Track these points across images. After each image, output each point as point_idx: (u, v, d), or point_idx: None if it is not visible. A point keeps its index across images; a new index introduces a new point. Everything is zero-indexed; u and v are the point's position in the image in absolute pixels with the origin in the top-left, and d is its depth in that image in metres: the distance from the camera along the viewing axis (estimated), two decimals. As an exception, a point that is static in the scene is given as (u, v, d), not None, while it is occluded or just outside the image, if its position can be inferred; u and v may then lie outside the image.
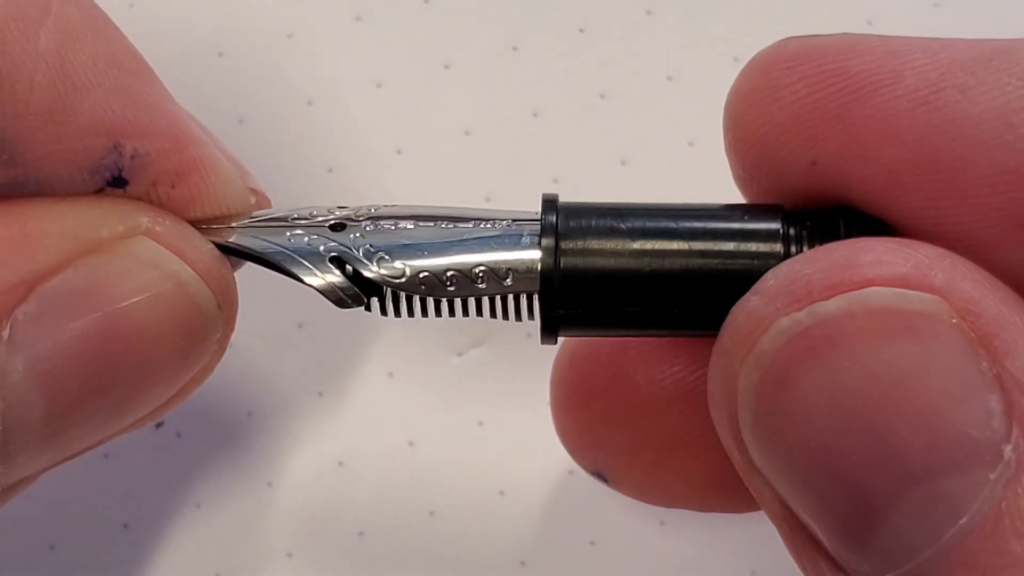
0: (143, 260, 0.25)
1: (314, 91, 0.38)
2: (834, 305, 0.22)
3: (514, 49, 0.38)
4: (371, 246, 0.25)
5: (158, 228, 0.25)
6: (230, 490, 0.36)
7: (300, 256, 0.26)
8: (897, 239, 0.23)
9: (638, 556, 0.36)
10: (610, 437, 0.30)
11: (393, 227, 0.26)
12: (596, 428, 0.30)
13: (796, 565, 0.24)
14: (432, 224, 0.26)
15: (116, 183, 0.25)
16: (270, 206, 0.27)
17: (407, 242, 0.25)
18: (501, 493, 0.36)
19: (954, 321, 0.22)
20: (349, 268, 0.26)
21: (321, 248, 0.26)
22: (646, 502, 0.31)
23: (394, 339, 0.37)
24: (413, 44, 0.38)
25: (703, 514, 0.36)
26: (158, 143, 0.25)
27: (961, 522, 0.21)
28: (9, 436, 0.24)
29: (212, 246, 0.26)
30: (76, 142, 0.25)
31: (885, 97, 0.24)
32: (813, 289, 0.23)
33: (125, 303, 0.25)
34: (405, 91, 0.38)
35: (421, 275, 0.25)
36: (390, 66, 0.38)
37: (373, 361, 0.37)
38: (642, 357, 0.28)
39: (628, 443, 0.29)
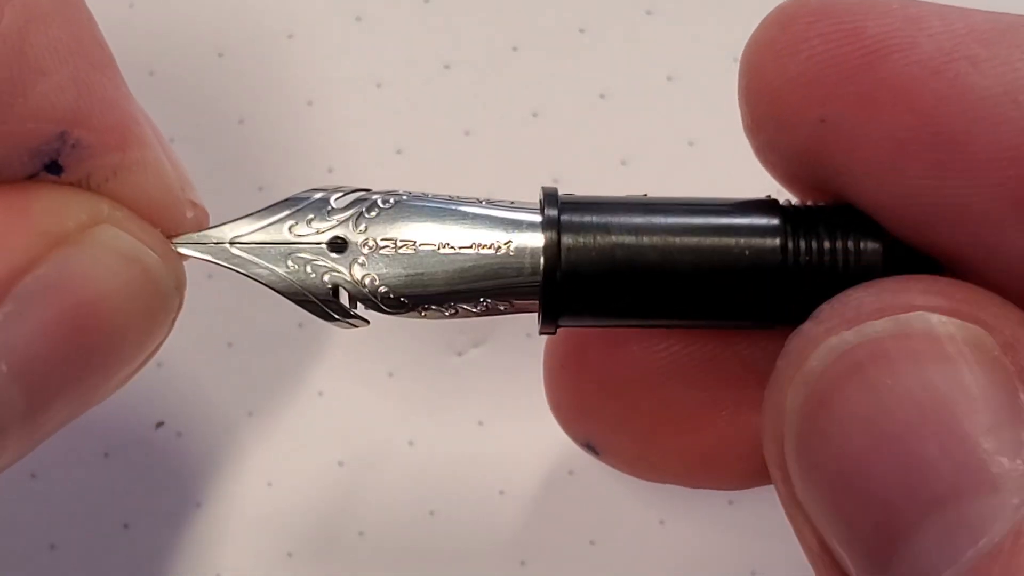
0: (111, 248, 0.25)
1: (314, 91, 0.38)
2: (881, 325, 0.23)
3: (514, 49, 0.38)
4: (372, 278, 0.26)
5: (118, 214, 0.25)
6: (230, 490, 0.36)
7: (306, 291, 0.26)
8: (948, 278, 0.24)
9: (638, 556, 0.36)
10: (602, 409, 0.30)
11: (393, 250, 0.26)
12: (588, 399, 0.30)
13: (798, 565, 0.24)
14: (434, 247, 0.26)
15: (51, 168, 0.25)
16: (208, 220, 0.27)
17: (409, 274, 0.26)
18: (501, 493, 0.36)
19: (996, 354, 0.22)
20: (349, 294, 0.26)
21: (324, 279, 0.26)
22: (636, 476, 0.31)
23: (394, 339, 0.37)
24: (413, 44, 0.38)
25: (703, 514, 0.36)
26: (103, 137, 0.25)
27: (980, 544, 0.21)
28: None
29: (160, 232, 0.26)
30: (23, 124, 0.24)
31: (898, 62, 0.24)
32: (863, 311, 0.23)
33: (97, 293, 0.25)
34: (405, 91, 0.38)
35: (424, 308, 0.26)
36: (390, 66, 0.38)
37: (373, 361, 0.37)
38: (638, 329, 0.28)
39: (620, 416, 0.29)
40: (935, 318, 0.23)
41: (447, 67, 0.38)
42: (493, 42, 0.38)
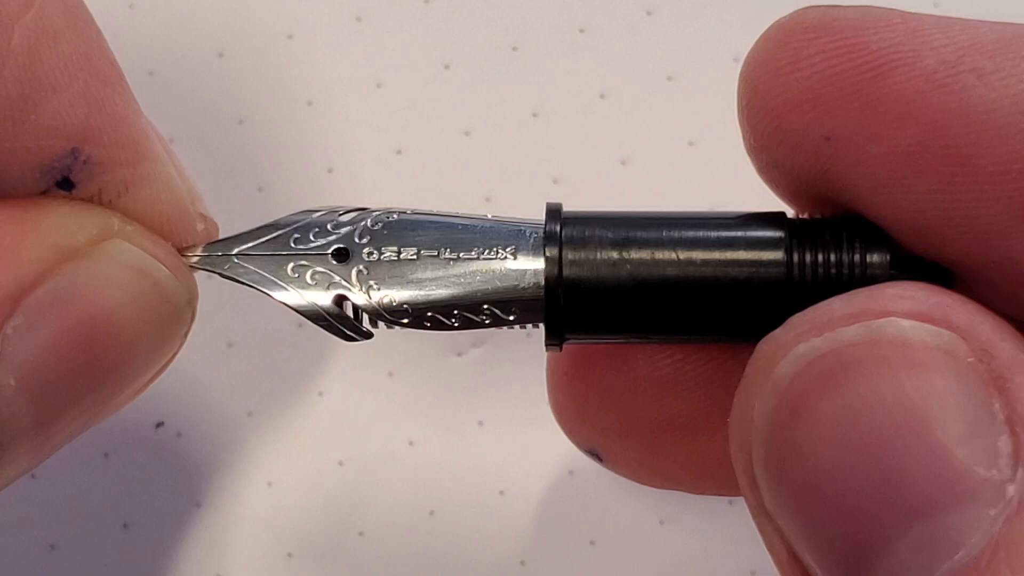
0: (121, 262, 0.25)
1: (314, 91, 0.38)
2: (852, 332, 0.22)
3: (514, 49, 0.38)
4: (375, 285, 0.26)
5: (129, 228, 0.25)
6: (230, 490, 0.36)
7: (311, 302, 0.26)
8: (922, 283, 0.23)
9: (638, 556, 0.36)
10: (606, 415, 0.29)
11: (396, 257, 0.26)
12: (592, 406, 0.29)
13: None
14: (436, 254, 0.26)
15: (63, 184, 0.25)
16: (218, 232, 0.27)
17: (412, 281, 0.26)
18: (501, 493, 0.36)
19: (970, 360, 0.22)
20: (352, 303, 0.26)
21: (326, 286, 0.26)
22: (639, 482, 0.31)
23: (394, 339, 0.37)
24: (413, 44, 0.38)
25: (703, 514, 0.36)
26: (114, 153, 0.25)
27: (957, 556, 0.21)
28: (1, 450, 0.24)
29: (171, 246, 0.26)
30: (34, 141, 0.24)
31: (903, 76, 0.23)
32: (834, 318, 0.23)
33: (107, 307, 0.25)
34: (405, 91, 0.38)
35: (427, 316, 0.26)
36: (390, 66, 0.38)
37: (373, 361, 0.37)
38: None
39: (624, 422, 0.29)
40: (907, 323, 0.22)
41: (447, 67, 0.38)
42: (493, 42, 0.38)
